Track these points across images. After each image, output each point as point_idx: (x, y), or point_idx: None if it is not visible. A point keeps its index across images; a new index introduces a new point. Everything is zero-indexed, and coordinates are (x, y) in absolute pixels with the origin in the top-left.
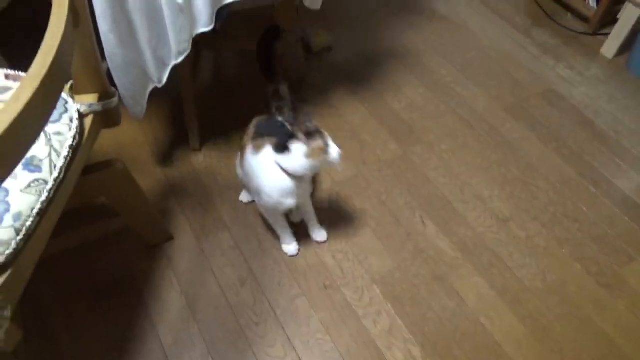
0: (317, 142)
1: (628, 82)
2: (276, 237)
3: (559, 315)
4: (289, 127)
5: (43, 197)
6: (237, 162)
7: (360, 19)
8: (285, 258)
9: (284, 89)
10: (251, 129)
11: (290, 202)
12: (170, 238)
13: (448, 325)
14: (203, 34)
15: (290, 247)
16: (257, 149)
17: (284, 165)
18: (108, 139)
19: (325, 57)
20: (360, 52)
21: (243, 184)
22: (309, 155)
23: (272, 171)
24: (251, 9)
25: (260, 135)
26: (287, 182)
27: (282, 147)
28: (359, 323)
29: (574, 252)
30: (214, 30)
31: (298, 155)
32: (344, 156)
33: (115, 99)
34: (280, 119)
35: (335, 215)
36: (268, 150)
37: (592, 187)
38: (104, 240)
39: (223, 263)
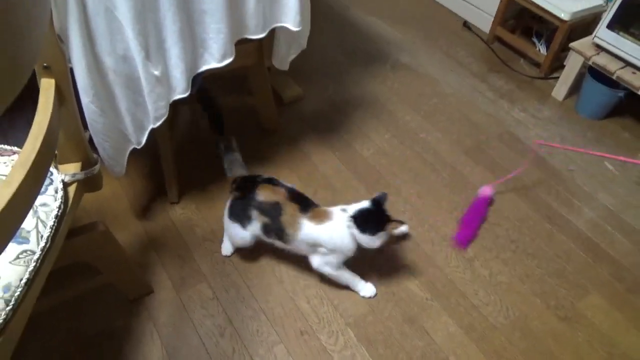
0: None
1: (577, 123)
2: (254, 285)
3: (522, 350)
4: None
5: (31, 267)
6: (229, 221)
7: (329, 71)
8: (262, 306)
9: (234, 143)
10: (289, 202)
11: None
12: (150, 291)
13: None
14: None
15: (367, 286)
16: (320, 219)
17: (361, 241)
18: (88, 195)
19: (296, 108)
20: (330, 103)
21: (232, 239)
22: (387, 240)
23: (346, 237)
24: (231, 69)
25: (307, 207)
26: (355, 244)
27: (371, 232)
28: None
29: (534, 287)
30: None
31: (380, 239)
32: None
33: (98, 166)
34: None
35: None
36: (340, 221)
37: (548, 224)
38: (83, 295)
39: (202, 314)
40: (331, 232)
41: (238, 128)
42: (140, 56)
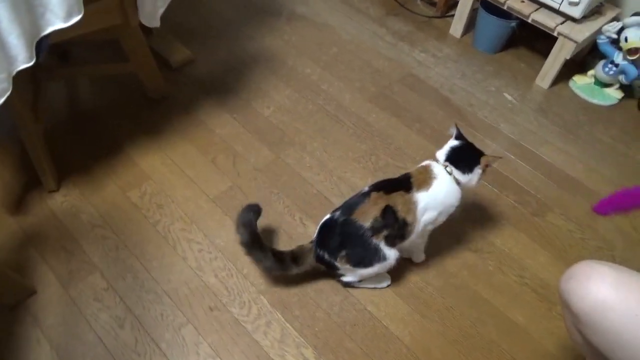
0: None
1: (475, 58)
2: (153, 267)
3: (437, 288)
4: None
5: None
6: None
7: (220, 28)
8: (165, 288)
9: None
10: (393, 196)
11: None
12: (32, 293)
13: (337, 320)
14: (42, 65)
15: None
16: (424, 185)
17: (463, 180)
18: None
19: (187, 72)
20: (224, 64)
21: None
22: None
23: (453, 187)
24: (94, 32)
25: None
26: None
27: (468, 169)
28: (249, 338)
29: (443, 226)
30: (64, 60)
31: (477, 176)
32: (218, 171)
33: None
34: None
35: (214, 232)
36: (443, 176)
37: None
38: None
39: (96, 307)
40: (442, 188)
41: (121, 99)
42: None
